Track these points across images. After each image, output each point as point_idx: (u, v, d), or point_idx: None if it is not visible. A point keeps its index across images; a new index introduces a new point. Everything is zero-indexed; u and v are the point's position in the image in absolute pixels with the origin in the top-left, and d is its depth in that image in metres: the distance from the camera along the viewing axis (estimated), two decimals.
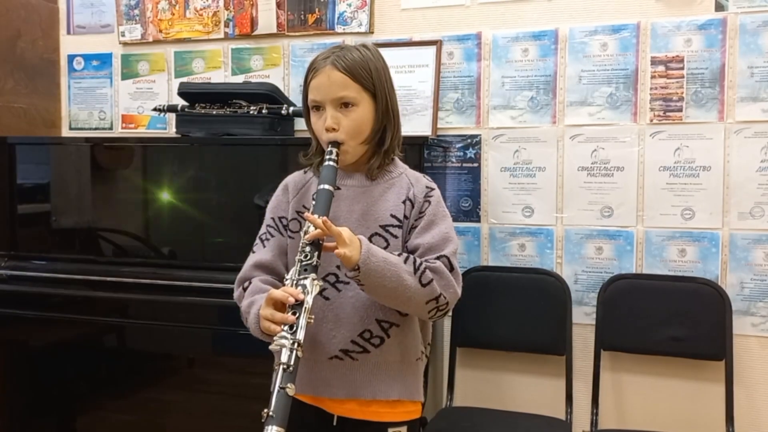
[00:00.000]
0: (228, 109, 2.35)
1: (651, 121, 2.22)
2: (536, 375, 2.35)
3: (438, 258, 1.39)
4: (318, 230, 1.29)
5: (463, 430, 2.12)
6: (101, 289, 2.26)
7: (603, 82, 2.26)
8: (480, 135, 2.39)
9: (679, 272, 2.22)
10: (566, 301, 2.26)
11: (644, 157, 2.24)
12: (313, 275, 1.28)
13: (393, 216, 1.44)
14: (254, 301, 1.39)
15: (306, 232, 1.31)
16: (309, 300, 1.26)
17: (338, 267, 1.41)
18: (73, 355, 2.35)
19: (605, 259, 2.29)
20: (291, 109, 2.32)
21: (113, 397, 2.30)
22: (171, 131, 2.70)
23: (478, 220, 2.40)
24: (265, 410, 1.16)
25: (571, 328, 2.26)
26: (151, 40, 2.75)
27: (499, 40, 2.36)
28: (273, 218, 1.52)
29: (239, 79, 2.64)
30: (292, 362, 1.20)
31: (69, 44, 2.89)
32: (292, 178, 1.55)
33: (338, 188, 1.41)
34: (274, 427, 1.14)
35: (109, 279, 2.25)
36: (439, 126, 2.40)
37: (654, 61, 2.22)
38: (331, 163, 1.39)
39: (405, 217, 1.44)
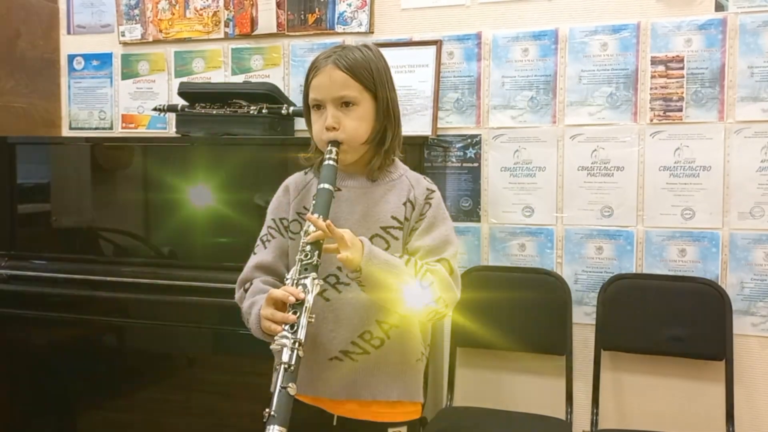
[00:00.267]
0: (228, 109, 2.35)
1: (651, 121, 2.23)
2: (536, 375, 2.35)
3: (438, 261, 1.39)
4: (319, 233, 1.29)
5: (463, 430, 2.12)
6: (101, 289, 2.26)
7: (603, 82, 2.26)
8: (480, 135, 2.39)
9: (679, 272, 2.22)
10: (566, 301, 2.26)
11: (644, 157, 2.24)
12: (313, 274, 1.28)
13: (394, 218, 1.44)
14: (255, 301, 1.39)
15: (306, 233, 1.31)
16: (309, 299, 1.26)
17: (339, 268, 1.40)
18: (73, 355, 2.34)
19: (605, 258, 2.29)
20: (291, 108, 2.32)
21: (113, 397, 2.30)
22: (171, 131, 2.70)
23: (478, 220, 2.40)
24: (267, 410, 1.16)
25: (571, 328, 2.26)
26: (151, 39, 2.75)
27: (499, 40, 2.36)
28: (274, 219, 1.51)
29: (239, 78, 2.64)
30: (293, 362, 1.20)
31: (69, 44, 2.89)
32: (293, 179, 1.55)
33: (338, 189, 1.40)
34: (276, 427, 1.14)
35: (109, 279, 2.25)
36: (439, 126, 2.40)
37: (654, 61, 2.22)
38: (331, 162, 1.38)
39: (405, 218, 1.44)
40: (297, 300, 1.25)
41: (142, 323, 2.24)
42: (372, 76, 1.42)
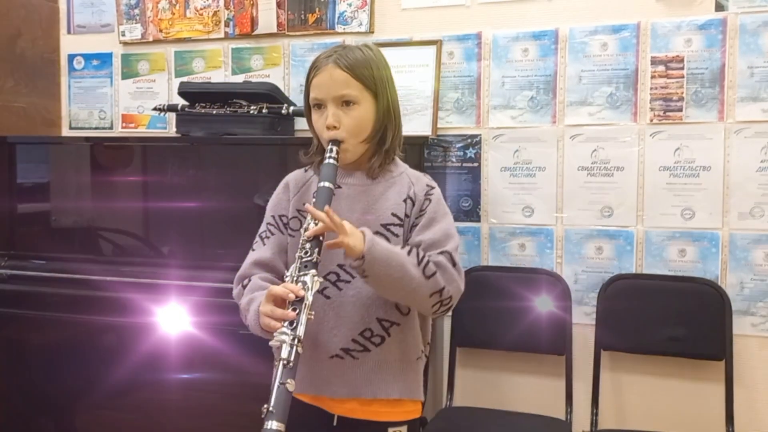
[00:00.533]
0: (228, 109, 2.35)
1: (651, 121, 2.23)
2: (536, 375, 2.35)
3: (440, 253, 1.39)
4: (319, 226, 1.29)
5: (463, 430, 2.12)
6: (101, 289, 2.25)
7: (603, 82, 2.26)
8: (480, 135, 2.39)
9: (679, 272, 2.22)
10: (566, 301, 2.26)
11: (644, 157, 2.24)
12: (313, 271, 1.28)
13: (394, 215, 1.44)
14: (254, 298, 1.39)
15: (306, 229, 1.31)
16: (309, 296, 1.26)
17: (339, 266, 1.41)
18: (72, 354, 2.34)
19: (605, 259, 2.29)
20: (291, 108, 2.32)
21: (112, 397, 2.30)
22: (171, 131, 2.70)
23: (478, 220, 2.40)
24: (265, 405, 1.16)
25: (571, 328, 2.26)
26: (151, 39, 2.75)
27: (500, 39, 2.36)
28: (273, 216, 1.52)
29: (239, 78, 2.64)
30: (292, 358, 1.20)
31: (69, 44, 2.89)
32: (293, 177, 1.55)
33: (339, 186, 1.41)
34: (274, 422, 1.14)
35: (109, 279, 2.25)
36: (439, 126, 2.40)
37: (654, 61, 2.22)
38: (332, 161, 1.38)
39: (406, 215, 1.44)
40: (297, 297, 1.25)
41: (141, 323, 2.24)
42: (372, 76, 1.43)
